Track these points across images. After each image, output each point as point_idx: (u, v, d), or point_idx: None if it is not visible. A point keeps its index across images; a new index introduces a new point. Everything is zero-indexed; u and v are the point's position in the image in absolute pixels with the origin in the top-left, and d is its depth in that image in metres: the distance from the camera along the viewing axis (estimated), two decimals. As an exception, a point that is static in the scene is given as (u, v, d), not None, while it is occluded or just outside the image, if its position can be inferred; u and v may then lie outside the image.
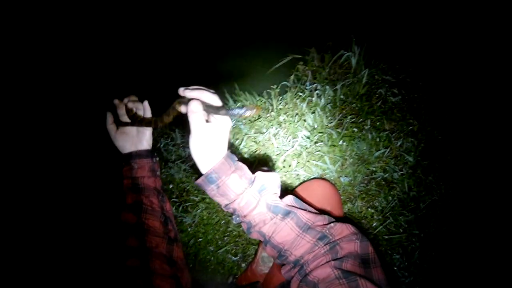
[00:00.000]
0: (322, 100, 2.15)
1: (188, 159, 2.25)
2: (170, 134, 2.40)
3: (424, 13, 2.38)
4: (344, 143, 2.05)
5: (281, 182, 2.06)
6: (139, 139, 1.34)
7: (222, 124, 0.96)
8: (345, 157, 2.04)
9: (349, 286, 0.78)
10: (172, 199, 2.24)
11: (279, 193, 1.03)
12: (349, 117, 2.10)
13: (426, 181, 1.98)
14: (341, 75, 2.24)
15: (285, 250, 0.95)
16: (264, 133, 2.17)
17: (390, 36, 2.29)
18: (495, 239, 1.85)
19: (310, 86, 2.23)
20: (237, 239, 2.13)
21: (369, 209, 1.99)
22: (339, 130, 2.08)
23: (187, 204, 2.21)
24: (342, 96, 2.16)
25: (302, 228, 0.94)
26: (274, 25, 2.60)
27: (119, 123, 1.32)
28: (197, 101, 0.93)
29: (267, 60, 2.41)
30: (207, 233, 2.15)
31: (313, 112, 2.13)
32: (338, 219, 0.98)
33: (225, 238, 2.14)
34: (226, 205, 1.01)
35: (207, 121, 0.96)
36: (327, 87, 2.17)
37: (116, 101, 1.32)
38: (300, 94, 2.23)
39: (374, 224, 1.97)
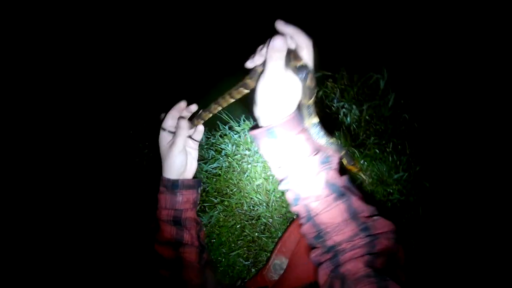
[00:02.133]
0: (348, 118, 2.19)
1: (210, 161, 2.30)
2: None
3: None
4: (365, 163, 2.10)
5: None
6: (189, 160, 1.25)
7: (296, 79, 0.84)
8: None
9: (378, 287, 0.76)
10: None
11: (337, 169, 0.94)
12: (373, 138, 2.14)
13: (441, 206, 2.03)
14: (368, 96, 2.28)
15: (325, 232, 0.89)
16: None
17: (420, 62, 2.34)
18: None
19: (337, 104, 2.27)
20: (250, 244, 2.17)
21: (382, 229, 2.03)
22: (361, 149, 2.12)
23: (205, 204, 2.25)
24: (367, 117, 2.20)
25: (351, 214, 0.88)
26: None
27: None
28: (285, 38, 0.78)
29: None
30: (221, 235, 2.20)
31: (339, 130, 2.18)
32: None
33: (239, 242, 2.18)
34: (280, 166, 0.91)
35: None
36: (354, 106, 2.21)
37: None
38: (327, 110, 2.27)
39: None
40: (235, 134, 2.33)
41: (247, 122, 2.36)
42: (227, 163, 2.28)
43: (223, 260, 2.17)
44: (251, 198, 2.16)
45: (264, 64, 0.84)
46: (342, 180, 0.92)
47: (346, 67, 2.35)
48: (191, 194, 1.23)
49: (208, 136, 2.40)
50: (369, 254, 0.82)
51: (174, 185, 1.20)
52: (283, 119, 0.86)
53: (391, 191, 2.07)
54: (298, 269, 1.65)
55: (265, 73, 0.82)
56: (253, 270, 2.14)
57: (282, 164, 0.90)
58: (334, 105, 2.28)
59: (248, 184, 2.19)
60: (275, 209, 2.12)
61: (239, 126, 2.36)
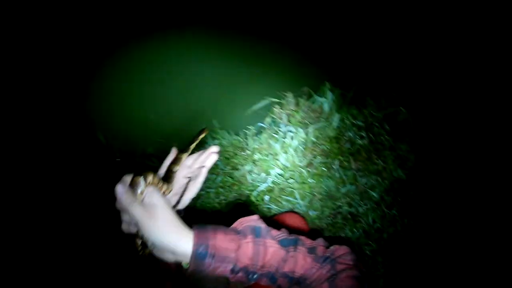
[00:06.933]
0: (295, 141, 2.31)
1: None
2: (150, 166, 2.48)
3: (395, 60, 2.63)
4: (314, 181, 2.21)
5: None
6: None
7: (160, 201, 0.82)
8: (314, 193, 2.19)
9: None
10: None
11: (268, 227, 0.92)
12: (319, 157, 2.27)
13: (389, 214, 2.13)
14: (314, 118, 2.42)
15: (305, 279, 0.89)
16: (239, 169, 2.32)
17: (361, 83, 2.51)
18: (453, 263, 2.00)
19: (285, 128, 2.41)
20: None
21: (336, 240, 2.12)
22: (309, 169, 2.24)
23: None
24: (313, 138, 2.32)
25: (311, 252, 0.90)
26: (254, 69, 2.84)
27: None
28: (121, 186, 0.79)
29: (246, 101, 2.60)
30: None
31: (286, 152, 2.29)
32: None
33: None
34: (233, 269, 0.83)
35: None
36: (300, 129, 2.34)
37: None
38: (275, 135, 2.39)
39: (339, 254, 2.09)
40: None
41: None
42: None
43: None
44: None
45: None
46: (284, 231, 0.92)
47: (292, 92, 2.50)
48: None
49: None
50: (333, 275, 0.86)
51: None
52: (193, 238, 0.80)
53: (340, 204, 2.18)
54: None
55: (140, 221, 0.79)
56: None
57: (233, 264, 0.82)
58: (281, 129, 2.42)
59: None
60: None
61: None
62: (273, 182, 2.26)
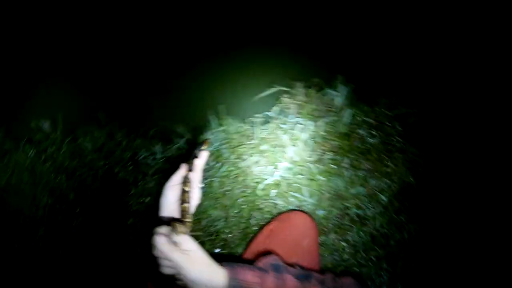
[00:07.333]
0: (304, 134, 2.22)
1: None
2: (151, 148, 2.41)
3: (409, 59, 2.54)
4: (322, 178, 2.12)
5: (259, 210, 2.10)
6: None
7: (191, 246, 0.93)
8: (322, 191, 2.11)
9: None
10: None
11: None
12: (328, 153, 2.18)
13: (397, 220, 2.08)
14: (324, 112, 2.32)
15: None
16: (245, 159, 2.22)
17: (375, 79, 2.41)
18: (458, 274, 1.96)
19: (293, 120, 2.30)
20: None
21: (342, 242, 2.06)
22: (318, 165, 2.15)
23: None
24: (323, 133, 2.23)
25: (322, 284, 1.07)
26: (264, 56, 2.70)
27: None
28: (161, 237, 0.91)
29: (253, 88, 2.49)
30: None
31: (294, 145, 2.20)
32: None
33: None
34: None
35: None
36: (310, 122, 2.24)
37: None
38: (283, 126, 2.29)
39: (345, 257, 2.03)
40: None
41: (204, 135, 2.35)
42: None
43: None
44: (209, 214, 2.13)
45: None
46: (296, 268, 1.11)
47: (303, 83, 2.38)
48: None
49: (163, 150, 2.37)
50: None
51: None
52: (226, 271, 0.97)
53: (349, 205, 2.10)
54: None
55: (182, 265, 0.90)
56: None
57: None
58: (290, 120, 2.29)
59: (205, 200, 2.16)
60: (234, 225, 2.10)
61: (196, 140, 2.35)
62: (280, 176, 2.14)
